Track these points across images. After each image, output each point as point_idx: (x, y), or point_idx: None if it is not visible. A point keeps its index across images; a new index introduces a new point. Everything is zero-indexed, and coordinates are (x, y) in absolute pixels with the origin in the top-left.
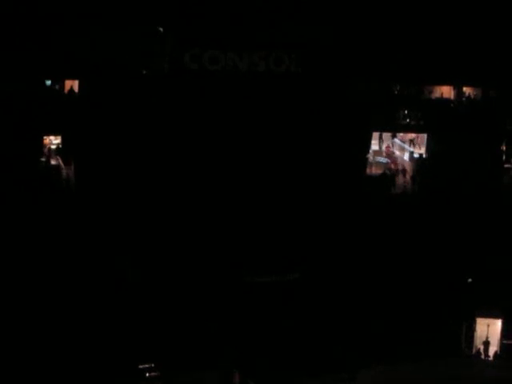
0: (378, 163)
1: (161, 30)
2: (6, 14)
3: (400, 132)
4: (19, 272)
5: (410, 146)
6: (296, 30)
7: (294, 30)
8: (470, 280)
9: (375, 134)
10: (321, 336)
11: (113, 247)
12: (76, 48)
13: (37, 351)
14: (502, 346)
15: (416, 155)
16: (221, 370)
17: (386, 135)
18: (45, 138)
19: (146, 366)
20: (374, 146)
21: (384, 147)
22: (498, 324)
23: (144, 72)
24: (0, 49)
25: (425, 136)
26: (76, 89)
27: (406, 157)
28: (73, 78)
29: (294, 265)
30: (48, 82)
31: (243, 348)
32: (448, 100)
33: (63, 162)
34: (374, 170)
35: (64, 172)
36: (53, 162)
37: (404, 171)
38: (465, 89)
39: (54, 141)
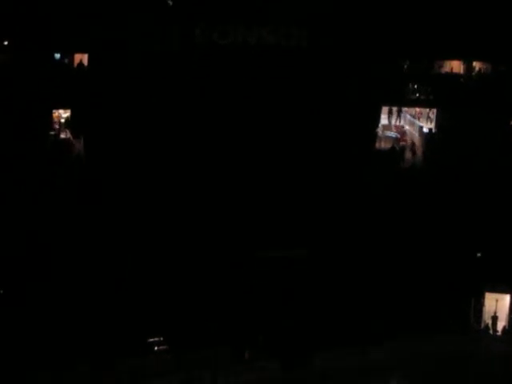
0: (387, 138)
1: (170, 3)
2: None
3: (410, 107)
4: (28, 245)
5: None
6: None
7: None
8: (478, 255)
9: (384, 109)
10: (329, 313)
11: (123, 220)
12: (86, 22)
13: (47, 326)
14: (510, 320)
15: (425, 130)
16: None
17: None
18: (54, 111)
19: (155, 339)
20: (384, 120)
21: (393, 123)
22: (506, 299)
23: (154, 46)
24: (11, 24)
25: (426, 110)
26: (85, 63)
27: (416, 131)
28: (82, 51)
29: (302, 240)
30: (57, 56)
31: (254, 323)
32: (457, 75)
33: (72, 135)
34: (384, 145)
35: (74, 145)
36: (62, 136)
37: (413, 146)
38: (475, 63)
39: (63, 114)
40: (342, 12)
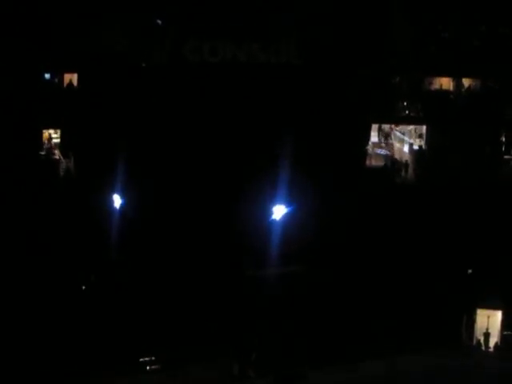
0: (378, 155)
1: (159, 22)
2: (4, 7)
3: (400, 124)
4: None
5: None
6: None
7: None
8: (469, 271)
9: (374, 126)
10: (322, 328)
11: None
12: (75, 41)
13: (36, 343)
14: (502, 337)
15: (415, 147)
16: (220, 361)
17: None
18: (44, 131)
19: (147, 359)
20: (374, 137)
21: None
22: (498, 315)
23: (143, 65)
24: None
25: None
26: (75, 82)
27: (406, 149)
28: (72, 71)
29: (298, 257)
30: (47, 76)
31: (243, 340)
32: (447, 91)
33: (62, 155)
34: (374, 162)
35: (64, 165)
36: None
37: (406, 165)
38: (464, 80)
39: (53, 134)
40: (331, 29)
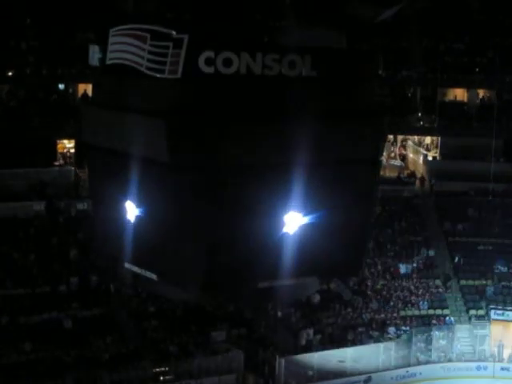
0: (392, 166)
1: (174, 33)
2: (20, 18)
3: (414, 135)
4: None
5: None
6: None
7: (306, 32)
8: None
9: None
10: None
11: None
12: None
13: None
14: None
15: (430, 158)
16: (236, 372)
17: None
18: (59, 142)
19: (161, 369)
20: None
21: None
22: None
23: (157, 76)
24: (14, 53)
25: None
26: (89, 93)
27: (421, 160)
28: (86, 81)
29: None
30: (61, 86)
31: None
32: (461, 102)
33: (77, 165)
34: (388, 173)
35: (78, 176)
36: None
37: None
38: (478, 91)
39: (67, 145)
40: (344, 39)
